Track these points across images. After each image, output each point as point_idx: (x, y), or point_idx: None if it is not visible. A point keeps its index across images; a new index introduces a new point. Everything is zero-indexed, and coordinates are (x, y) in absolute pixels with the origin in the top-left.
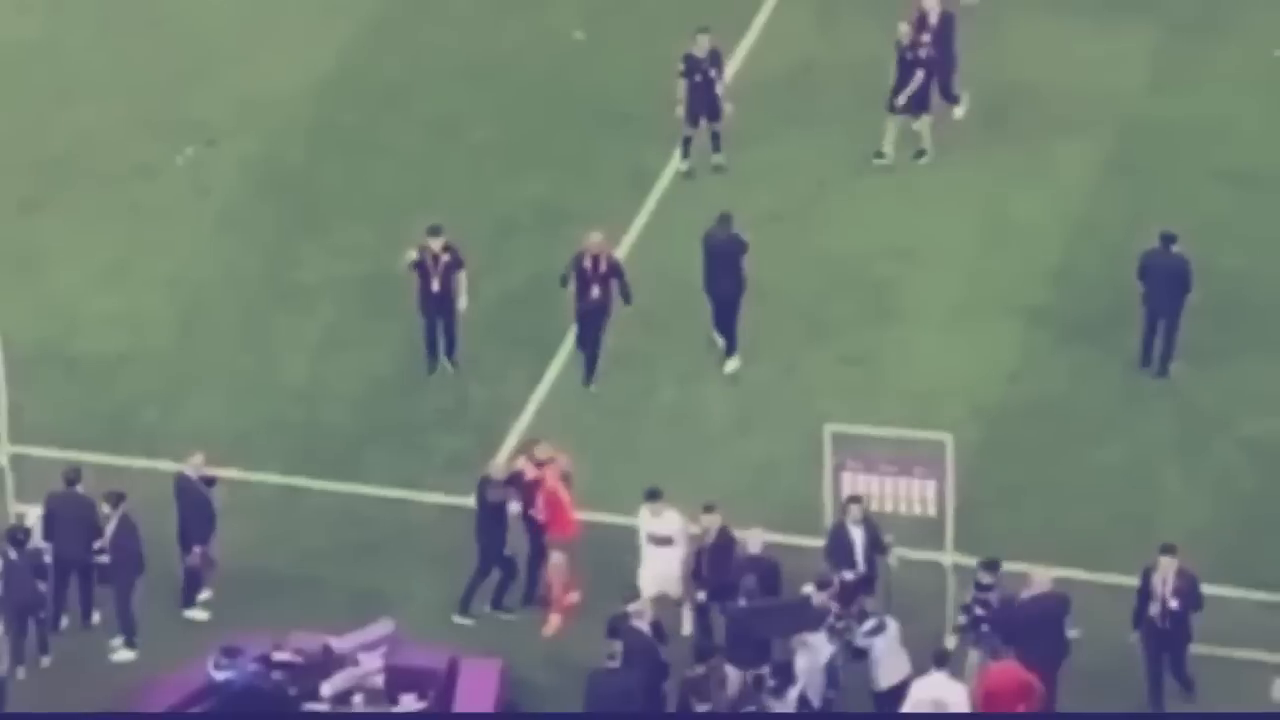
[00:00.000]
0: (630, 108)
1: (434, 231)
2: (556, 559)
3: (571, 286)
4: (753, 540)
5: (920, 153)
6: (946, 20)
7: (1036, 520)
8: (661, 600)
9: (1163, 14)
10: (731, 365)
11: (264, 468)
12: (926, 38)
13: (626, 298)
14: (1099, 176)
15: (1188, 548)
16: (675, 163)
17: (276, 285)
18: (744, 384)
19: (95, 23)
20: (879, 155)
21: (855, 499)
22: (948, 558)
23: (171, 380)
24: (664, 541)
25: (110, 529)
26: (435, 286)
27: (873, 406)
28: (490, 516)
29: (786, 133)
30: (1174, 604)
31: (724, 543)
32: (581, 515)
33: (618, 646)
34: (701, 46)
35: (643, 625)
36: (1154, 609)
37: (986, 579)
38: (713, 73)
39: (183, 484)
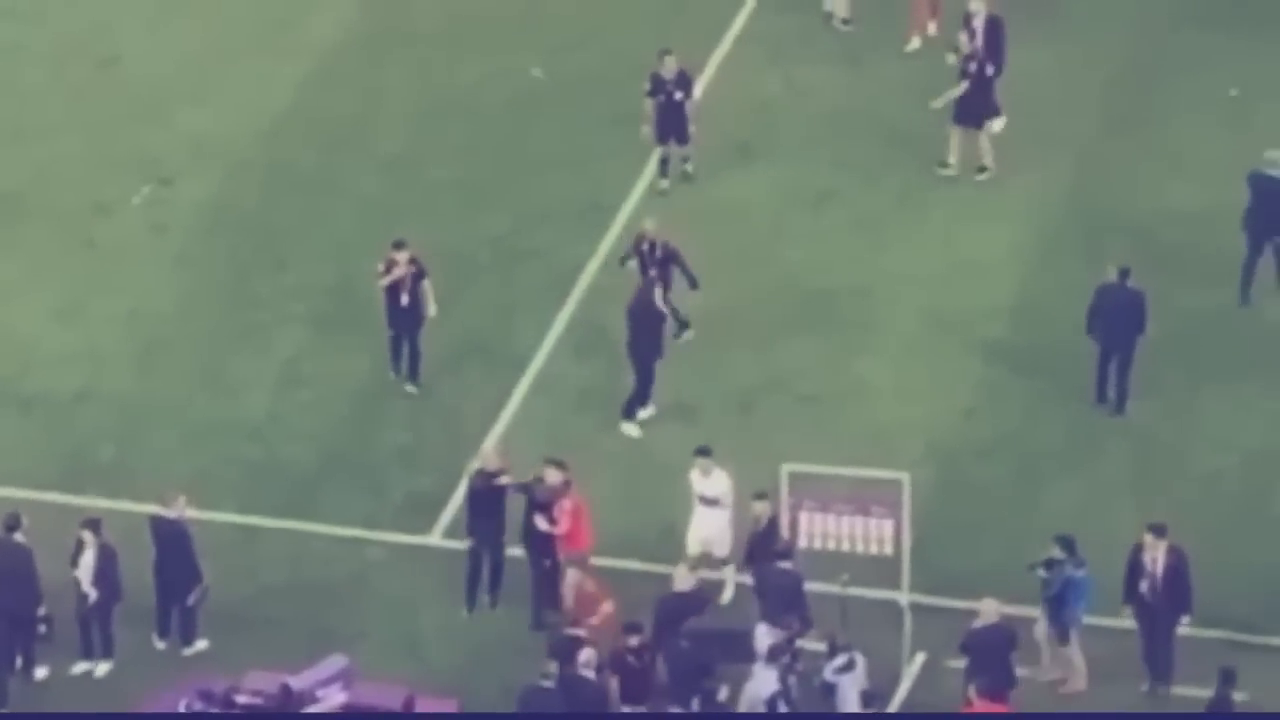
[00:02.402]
0: (588, 144)
1: (399, 245)
2: (572, 576)
3: (633, 265)
4: (680, 578)
5: (944, 163)
6: (993, 24)
7: (993, 558)
8: (706, 559)
9: (1120, 52)
10: (643, 413)
11: (220, 506)
12: (966, 39)
13: (692, 283)
14: (1055, 212)
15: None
16: (639, 194)
17: (233, 323)
18: (702, 422)
19: (49, 61)
20: (943, 165)
21: (785, 552)
22: (904, 596)
23: (128, 419)
24: (711, 502)
25: (91, 557)
26: (405, 301)
27: (829, 445)
28: (483, 507)
29: (743, 170)
30: (1162, 578)
31: (775, 530)
32: None
33: (553, 666)
34: (668, 68)
35: (589, 673)
36: (1144, 586)
37: (1058, 553)
38: (678, 95)
39: (160, 525)
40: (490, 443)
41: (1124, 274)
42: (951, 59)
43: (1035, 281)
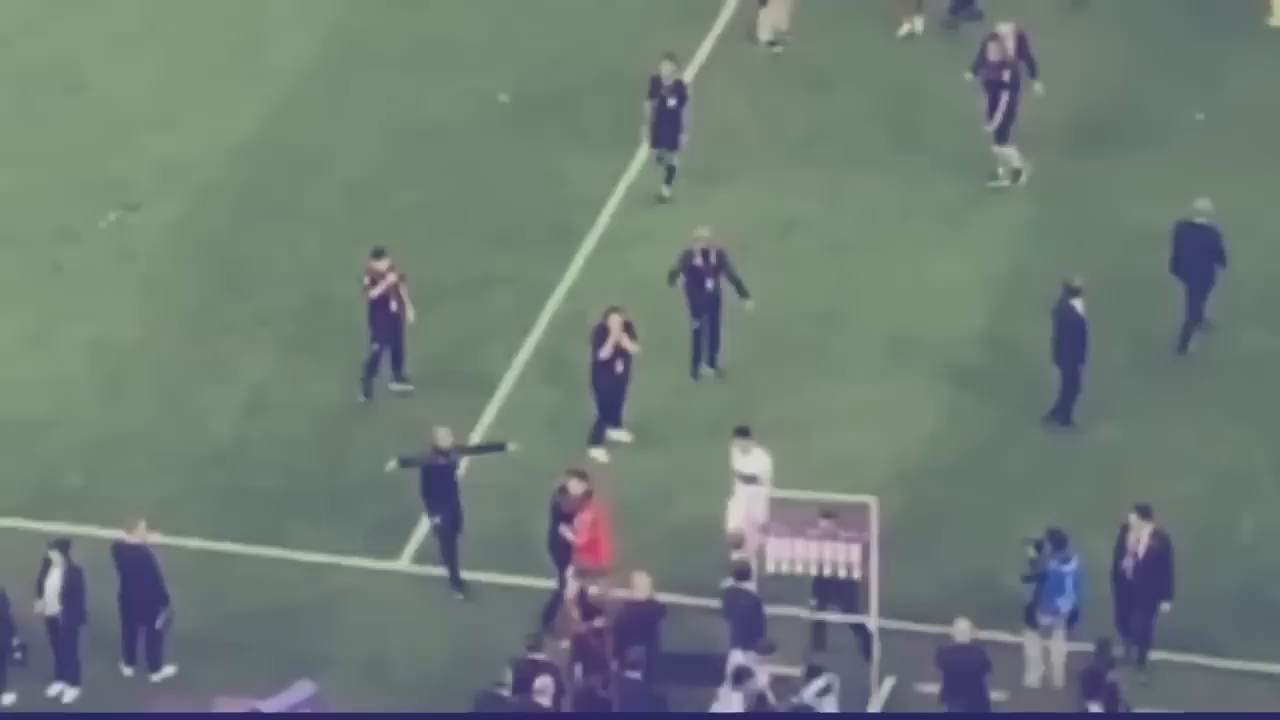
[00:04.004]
0: (556, 169)
1: (378, 254)
2: (572, 590)
3: (681, 281)
4: (640, 584)
5: (1016, 173)
6: (1022, 39)
7: (961, 583)
8: (739, 537)
9: (1082, 78)
10: (621, 436)
11: (188, 532)
12: (997, 59)
13: (741, 290)
14: (1022, 237)
15: (1110, 612)
16: (607, 218)
17: (200, 349)
18: (669, 447)
19: (16, 87)
20: (994, 178)
21: (744, 572)
22: (873, 621)
23: (95, 445)
24: (750, 479)
25: (58, 577)
26: (394, 307)
27: (797, 470)
28: (437, 482)
29: (710, 195)
30: (1143, 559)
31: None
32: (511, 579)
33: (508, 676)
34: (666, 73)
35: (544, 700)
36: (1126, 564)
37: (1048, 547)
38: (672, 102)
39: (122, 551)
40: (444, 428)
41: (1069, 292)
42: (969, 77)
43: (1002, 307)
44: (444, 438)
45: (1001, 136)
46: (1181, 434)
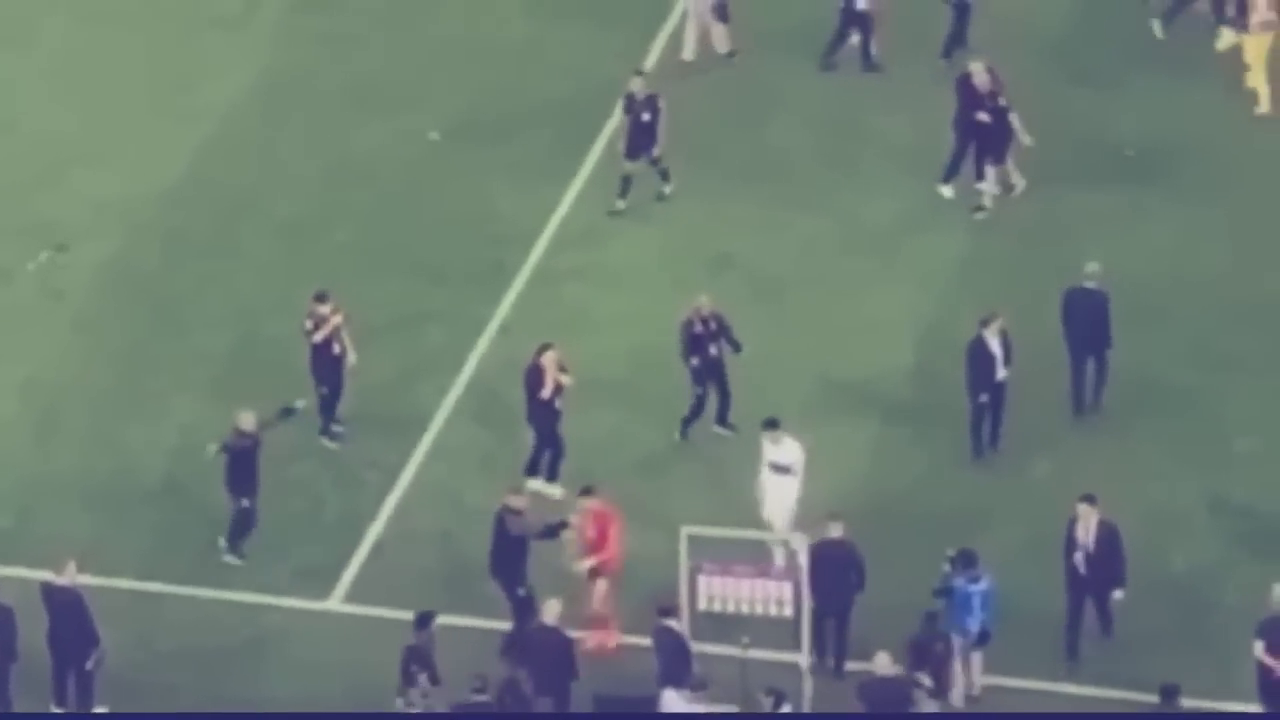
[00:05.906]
0: (488, 207)
1: (321, 298)
2: (602, 587)
3: (695, 362)
4: (549, 611)
5: (979, 208)
6: (995, 78)
7: (892, 620)
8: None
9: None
10: (542, 486)
11: (119, 572)
12: (986, 89)
13: (736, 347)
14: (952, 273)
15: (1048, 648)
16: (539, 255)
17: (131, 389)
18: (601, 486)
19: None
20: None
21: (668, 610)
22: (804, 659)
23: (25, 485)
24: (783, 470)
25: None
26: (336, 350)
27: (729, 507)
28: (241, 465)
29: (644, 232)
30: (1094, 550)
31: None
32: (447, 619)
33: (419, 690)
34: (636, 88)
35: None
36: (1077, 556)
37: (959, 564)
38: (646, 116)
39: (51, 593)
40: (249, 413)
41: (980, 324)
42: (985, 118)
43: (936, 343)
44: (247, 421)
45: (999, 159)
46: (1112, 471)
